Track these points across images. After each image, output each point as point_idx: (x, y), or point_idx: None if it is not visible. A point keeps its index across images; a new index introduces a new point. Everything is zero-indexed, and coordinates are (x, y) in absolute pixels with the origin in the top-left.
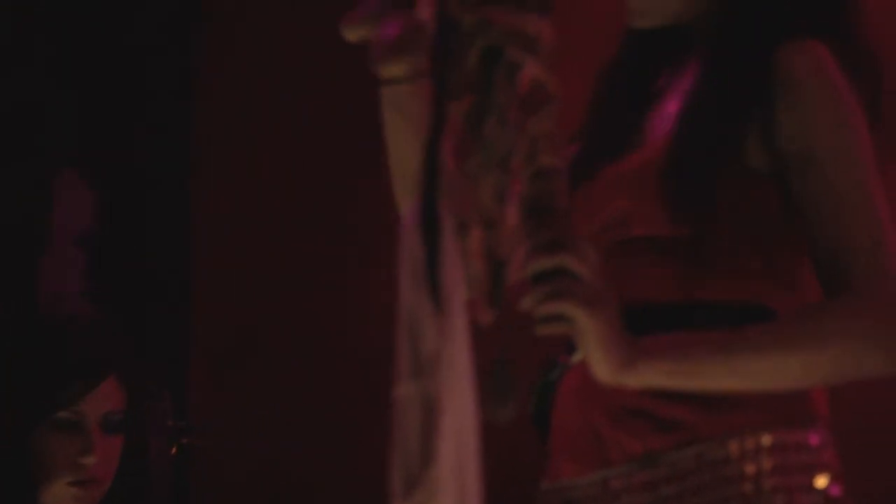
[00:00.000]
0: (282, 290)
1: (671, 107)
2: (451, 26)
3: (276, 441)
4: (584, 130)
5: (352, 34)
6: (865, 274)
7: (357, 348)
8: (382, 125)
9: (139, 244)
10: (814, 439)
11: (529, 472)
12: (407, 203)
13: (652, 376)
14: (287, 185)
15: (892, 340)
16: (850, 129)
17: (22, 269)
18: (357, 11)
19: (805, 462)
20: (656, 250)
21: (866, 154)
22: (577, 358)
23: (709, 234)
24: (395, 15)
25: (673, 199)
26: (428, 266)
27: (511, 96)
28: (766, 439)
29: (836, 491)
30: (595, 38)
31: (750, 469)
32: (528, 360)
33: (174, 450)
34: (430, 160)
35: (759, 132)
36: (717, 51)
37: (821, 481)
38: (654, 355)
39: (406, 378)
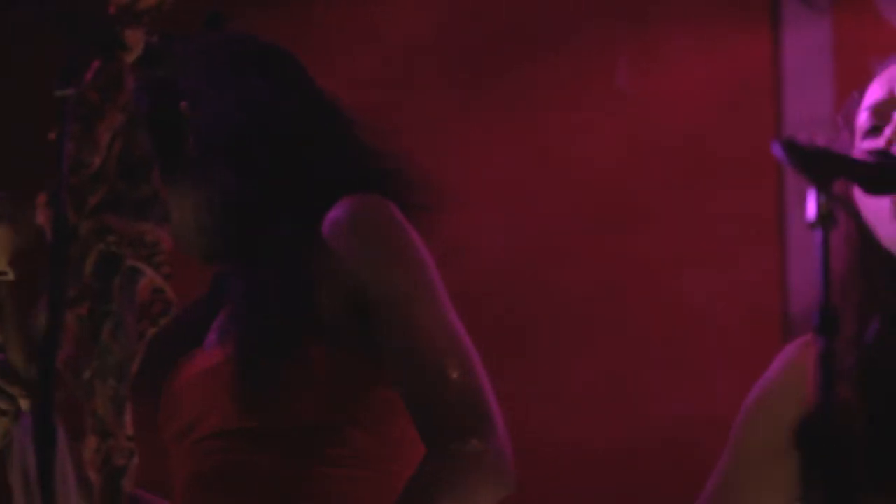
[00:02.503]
0: None
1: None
2: (69, 232)
3: None
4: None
5: None
6: (457, 422)
7: None
8: None
9: None
10: None
11: None
12: None
13: None
14: None
15: (494, 478)
16: (412, 273)
17: None
18: None
19: None
20: (239, 446)
21: (434, 294)
22: None
23: (283, 423)
24: None
25: (240, 395)
26: (40, 476)
27: (129, 304)
28: None
29: None
30: None
31: None
32: None
33: None
34: (45, 368)
35: (342, 302)
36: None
37: None
38: None
39: None
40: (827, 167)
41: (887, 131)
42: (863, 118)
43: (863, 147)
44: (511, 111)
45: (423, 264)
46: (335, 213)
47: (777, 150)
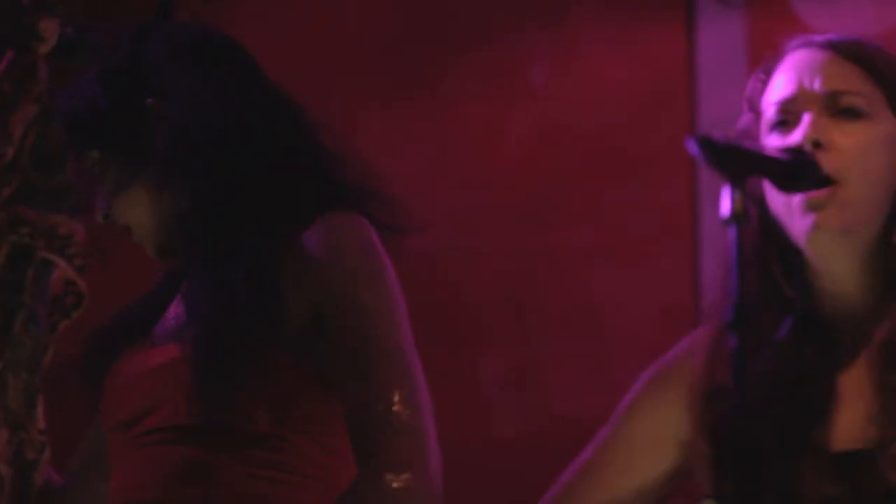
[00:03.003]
0: None
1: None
2: None
3: None
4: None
5: None
6: (394, 453)
7: None
8: None
9: None
10: None
11: None
12: None
13: None
14: None
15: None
16: (381, 300)
17: None
18: None
19: None
20: (187, 440)
21: (398, 323)
22: None
23: (235, 424)
24: None
25: (195, 393)
26: None
27: (42, 296)
28: None
29: None
30: None
31: None
32: None
33: None
34: None
35: (309, 315)
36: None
37: None
38: None
39: None
40: (741, 164)
41: (797, 134)
42: (770, 112)
43: (770, 141)
44: (425, 104)
45: (392, 292)
46: (317, 230)
47: (691, 147)
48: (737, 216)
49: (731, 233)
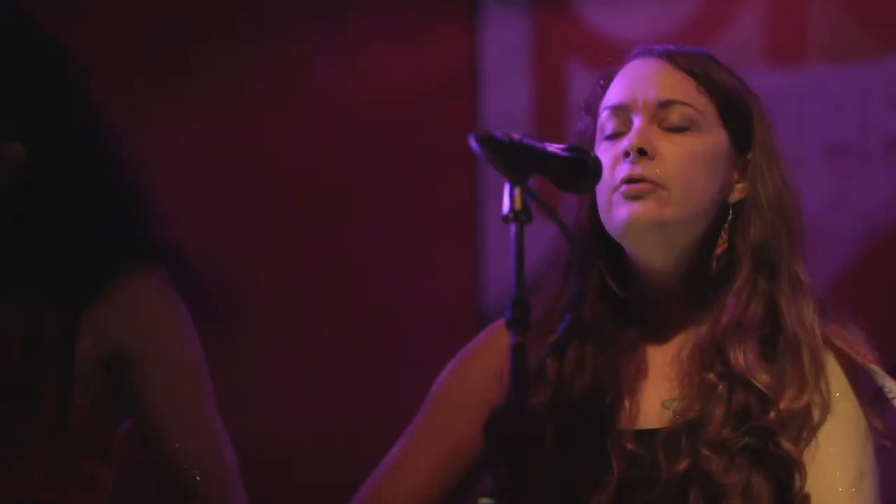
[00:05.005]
0: None
1: None
2: None
3: None
4: None
5: None
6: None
7: None
8: None
9: None
10: None
11: None
12: None
13: None
14: None
15: None
16: (181, 342)
17: None
18: None
19: None
20: None
21: (196, 364)
22: None
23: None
24: None
25: None
26: None
27: None
28: None
29: None
30: None
31: None
32: None
33: None
34: None
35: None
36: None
37: None
38: None
39: None
40: (521, 161)
41: (625, 142)
42: (603, 117)
43: (601, 148)
44: (209, 101)
45: (195, 345)
46: (125, 278)
47: (472, 144)
48: (516, 214)
49: (512, 231)
